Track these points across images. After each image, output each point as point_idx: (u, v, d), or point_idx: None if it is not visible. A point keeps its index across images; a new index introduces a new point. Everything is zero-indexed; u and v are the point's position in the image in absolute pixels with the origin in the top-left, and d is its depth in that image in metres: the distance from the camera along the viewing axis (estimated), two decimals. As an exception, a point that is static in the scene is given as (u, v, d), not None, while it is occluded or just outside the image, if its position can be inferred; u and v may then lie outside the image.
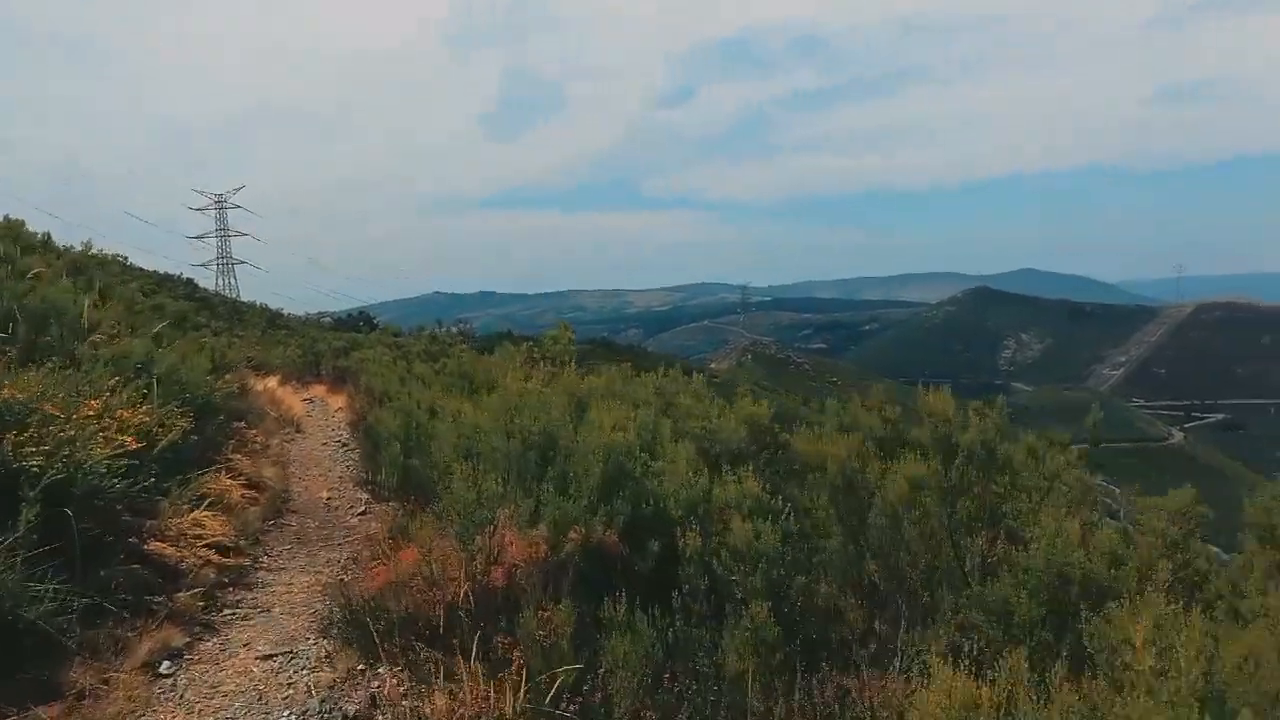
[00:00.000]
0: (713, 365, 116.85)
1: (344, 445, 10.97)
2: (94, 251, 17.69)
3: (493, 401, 5.01)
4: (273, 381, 19.57)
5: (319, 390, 18.33)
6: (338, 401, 16.03)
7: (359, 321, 48.39)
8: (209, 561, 5.22)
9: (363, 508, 7.56)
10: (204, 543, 5.37)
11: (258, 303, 63.72)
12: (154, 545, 4.95)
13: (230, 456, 8.20)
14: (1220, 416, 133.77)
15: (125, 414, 5.48)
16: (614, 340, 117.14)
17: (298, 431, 12.28)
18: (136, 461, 5.11)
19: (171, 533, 5.15)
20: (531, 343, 15.05)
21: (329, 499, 8.05)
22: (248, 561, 5.63)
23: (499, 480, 4.35)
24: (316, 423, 13.81)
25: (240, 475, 7.72)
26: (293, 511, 7.53)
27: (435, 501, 6.23)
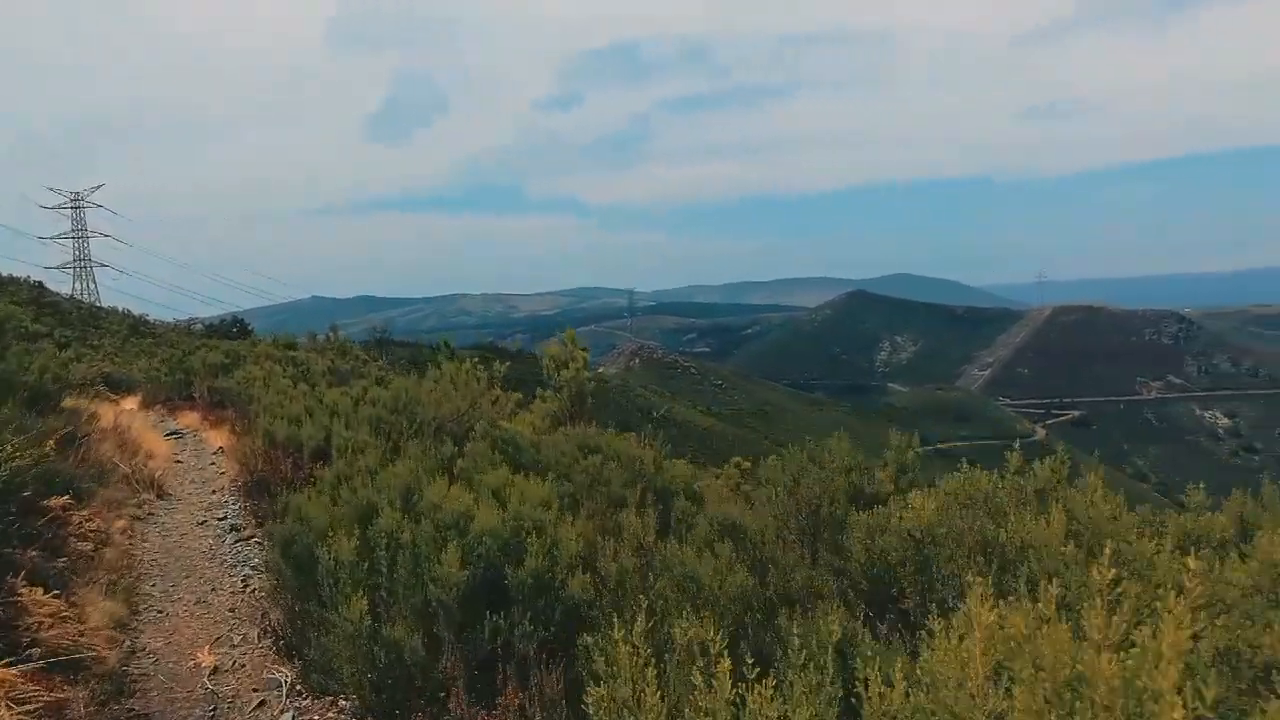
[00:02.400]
0: (601, 369, 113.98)
1: (233, 528, 7.13)
2: None
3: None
4: (131, 404, 15.13)
5: (190, 419, 14.00)
6: (217, 437, 11.92)
7: (232, 328, 42.42)
8: None
9: (283, 708, 3.94)
10: None
11: (119, 308, 56.02)
12: None
13: (19, 591, 4.47)
14: (1076, 413, 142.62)
15: None
16: (502, 345, 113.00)
17: (159, 497, 8.32)
18: None
19: None
20: (477, 358, 11.45)
21: (214, 670, 4.39)
22: None
23: None
24: (188, 474, 9.78)
25: (36, 640, 4.04)
26: (140, 717, 3.85)
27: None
